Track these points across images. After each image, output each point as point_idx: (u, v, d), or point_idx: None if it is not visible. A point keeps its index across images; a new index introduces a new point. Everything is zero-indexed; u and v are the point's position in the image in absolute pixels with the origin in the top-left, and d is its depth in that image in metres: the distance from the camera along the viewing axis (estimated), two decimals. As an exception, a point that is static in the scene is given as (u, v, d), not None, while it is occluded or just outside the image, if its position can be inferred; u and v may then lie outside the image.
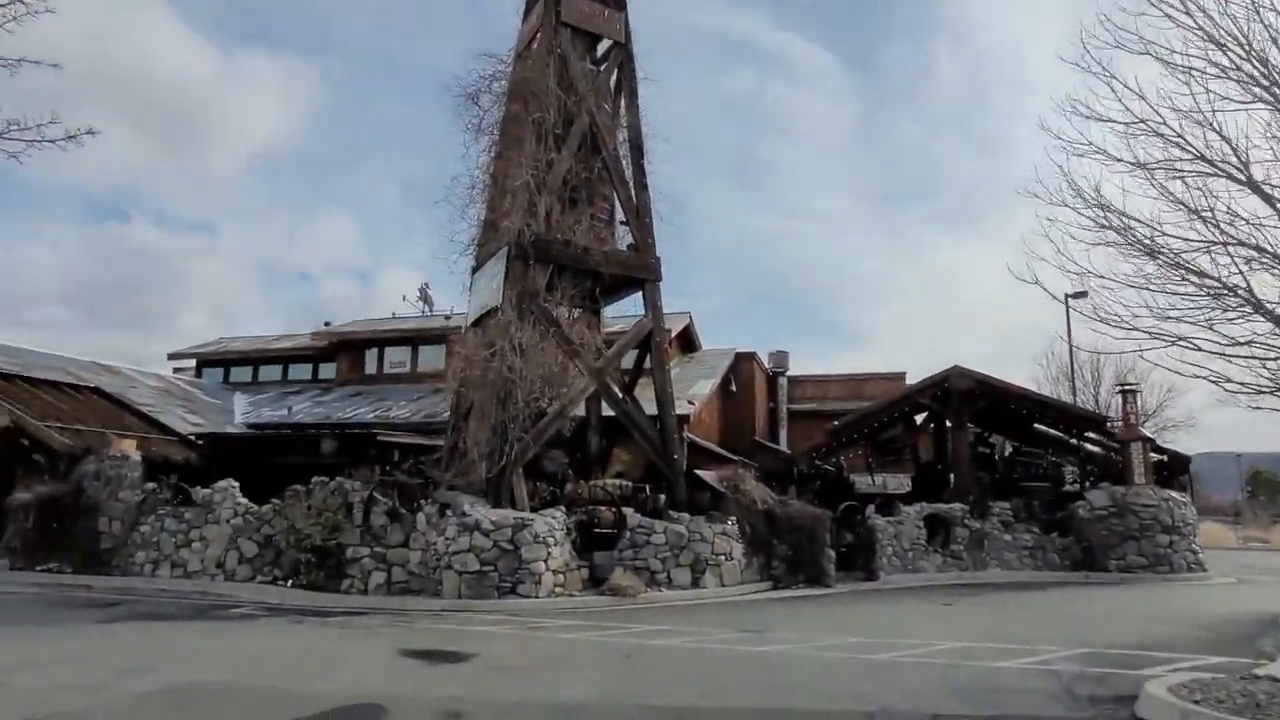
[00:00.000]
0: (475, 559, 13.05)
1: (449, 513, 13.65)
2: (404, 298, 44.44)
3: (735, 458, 19.33)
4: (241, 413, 27.13)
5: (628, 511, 15.44)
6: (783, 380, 34.19)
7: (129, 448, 17.55)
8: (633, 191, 17.14)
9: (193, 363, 33.44)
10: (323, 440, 17.53)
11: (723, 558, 15.42)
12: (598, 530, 14.99)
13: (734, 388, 29.44)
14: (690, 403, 22.69)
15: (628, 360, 18.91)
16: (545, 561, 13.48)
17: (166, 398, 25.51)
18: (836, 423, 22.41)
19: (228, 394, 29.69)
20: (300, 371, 32.01)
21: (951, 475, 24.19)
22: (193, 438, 20.60)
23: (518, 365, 14.60)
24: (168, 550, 15.85)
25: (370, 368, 29.58)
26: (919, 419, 23.20)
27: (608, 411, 17.46)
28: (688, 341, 31.06)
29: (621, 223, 17.43)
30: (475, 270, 17.29)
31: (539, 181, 15.66)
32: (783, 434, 33.09)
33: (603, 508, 15.33)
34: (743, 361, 30.89)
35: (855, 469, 29.67)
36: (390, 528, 14.61)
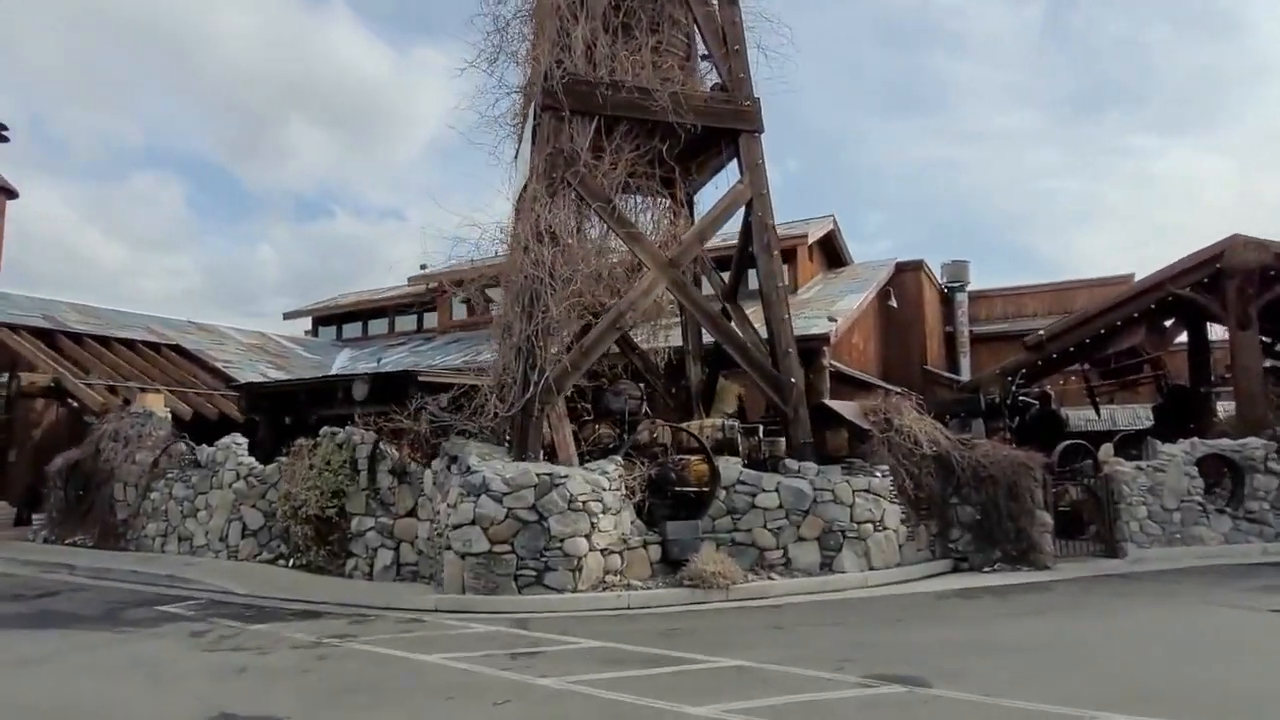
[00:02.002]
0: (483, 535, 8.92)
1: (453, 469, 9.61)
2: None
3: (896, 389, 13.83)
4: (339, 368, 25.03)
5: (727, 463, 10.69)
6: (961, 297, 27.21)
7: (154, 402, 15.18)
8: (715, 7, 11.96)
9: (309, 321, 32.30)
10: (355, 383, 14.16)
11: (869, 526, 10.29)
12: (678, 490, 10.40)
13: (894, 303, 23.29)
14: (831, 319, 17.25)
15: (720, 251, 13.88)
16: (588, 537, 9.11)
17: (256, 354, 23.84)
18: (1042, 331, 16.04)
19: (333, 350, 27.89)
20: (407, 323, 29.74)
21: (1217, 402, 17.07)
22: (229, 390, 18.24)
23: (546, 258, 10.15)
24: (175, 521, 13.22)
25: (466, 312, 26.51)
26: (1167, 323, 16.22)
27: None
28: (833, 255, 25.16)
29: (703, 57, 12.33)
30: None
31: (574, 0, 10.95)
32: (964, 363, 26.35)
33: (693, 458, 10.69)
34: (907, 273, 24.54)
35: (1068, 401, 22.83)
36: (398, 490, 10.86)
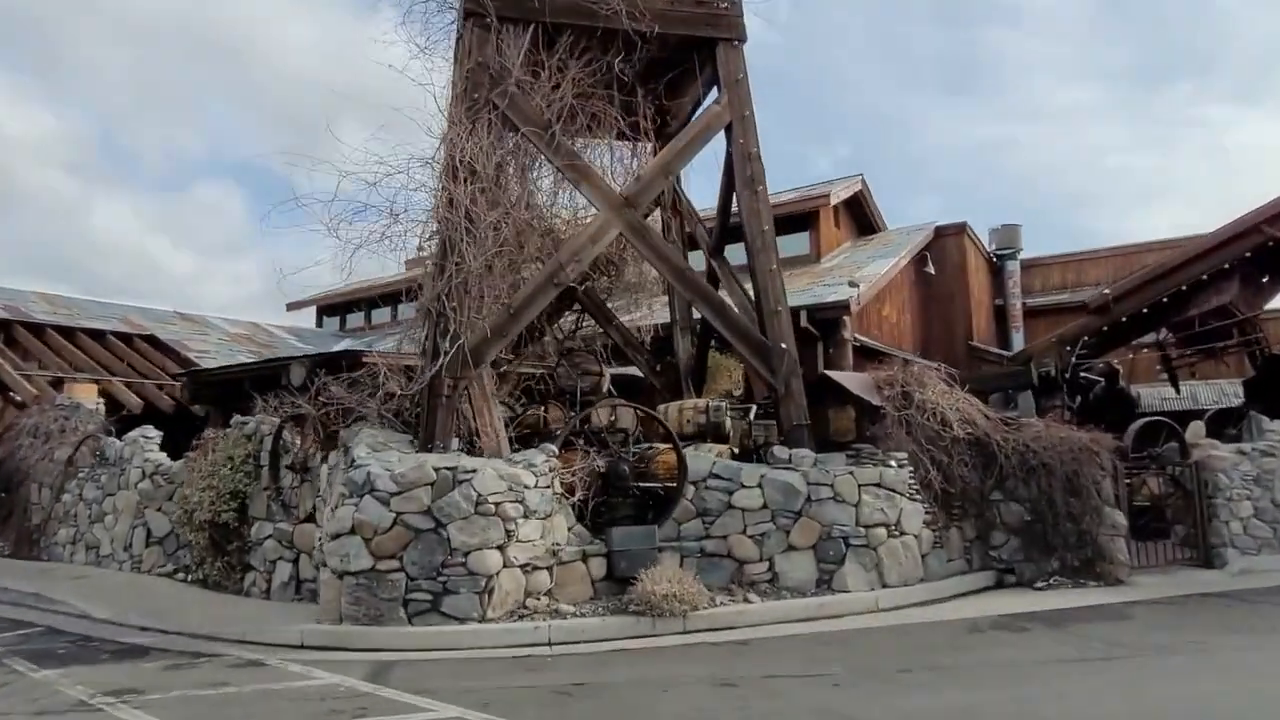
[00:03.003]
0: (364, 548, 6.86)
1: (343, 463, 7.60)
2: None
3: (931, 365, 11.28)
4: (331, 357, 23.47)
5: (697, 452, 8.49)
6: (1012, 265, 24.21)
7: (84, 392, 13.63)
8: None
9: (314, 311, 30.96)
10: (292, 366, 12.31)
11: (880, 531, 7.94)
12: (644, 487, 8.21)
13: (930, 269, 20.55)
14: (853, 284, 14.78)
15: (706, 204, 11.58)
16: (502, 549, 6.99)
17: (241, 344, 22.40)
18: (1107, 290, 13.31)
19: (332, 339, 26.38)
20: (409, 311, 28.09)
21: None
22: (173, 379, 16.65)
23: (461, 197, 8.04)
24: (83, 526, 11.57)
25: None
26: (1265, 278, 13.33)
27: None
28: (864, 221, 22.43)
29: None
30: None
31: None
32: (1017, 339, 23.38)
33: (664, 447, 8.51)
34: (948, 238, 21.70)
35: (1138, 379, 19.90)
36: (300, 490, 8.93)
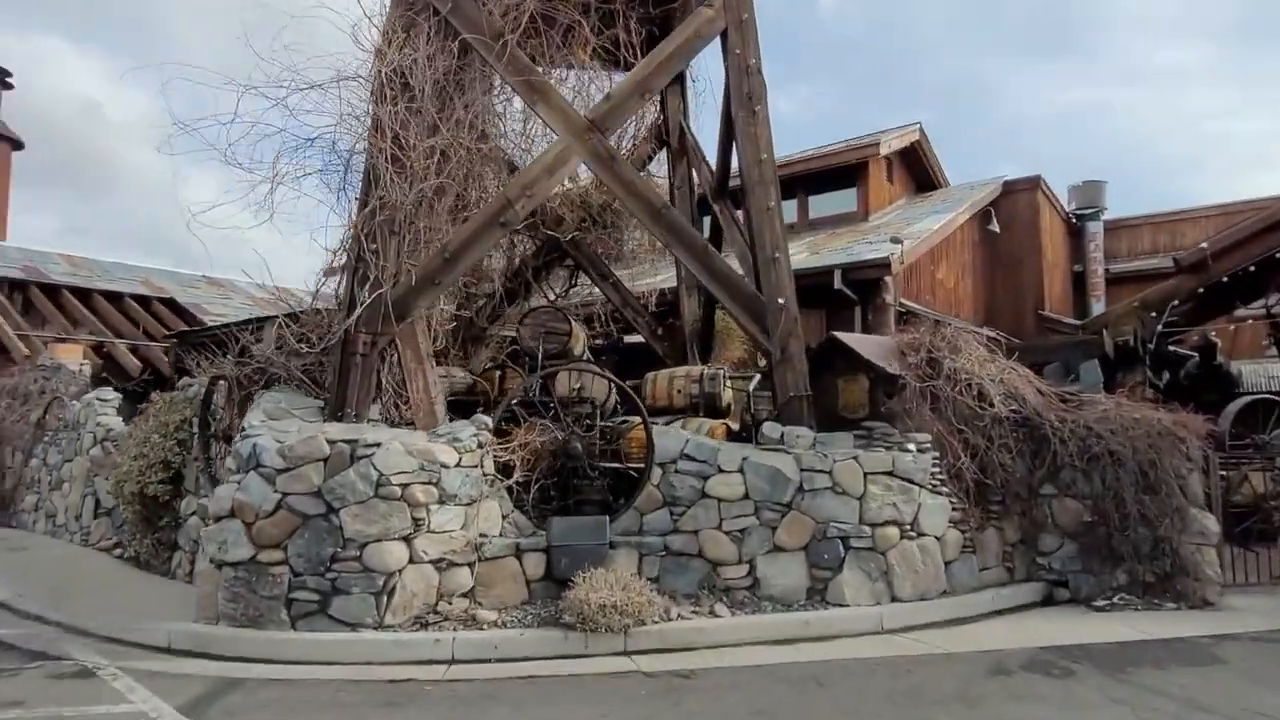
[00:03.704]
0: (244, 534, 5.68)
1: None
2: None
3: (972, 328, 9.37)
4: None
5: (668, 430, 7.04)
6: (1095, 227, 21.55)
7: (68, 353, 13.04)
8: None
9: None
10: (265, 325, 11.33)
11: (891, 530, 6.33)
12: (605, 467, 6.82)
13: (995, 226, 18.24)
14: (896, 240, 12.90)
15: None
16: (409, 541, 5.72)
17: (263, 307, 21.87)
18: (1205, 244, 11.06)
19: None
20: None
21: None
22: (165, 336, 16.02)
23: (388, 119, 6.70)
24: (45, 493, 10.92)
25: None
26: None
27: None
28: (922, 176, 20.14)
29: None
30: None
31: None
32: (1097, 309, 20.86)
33: (636, 422, 7.08)
34: (1018, 194, 19.28)
35: (1240, 354, 17.36)
36: (226, 462, 7.88)
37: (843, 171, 17.70)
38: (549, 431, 6.84)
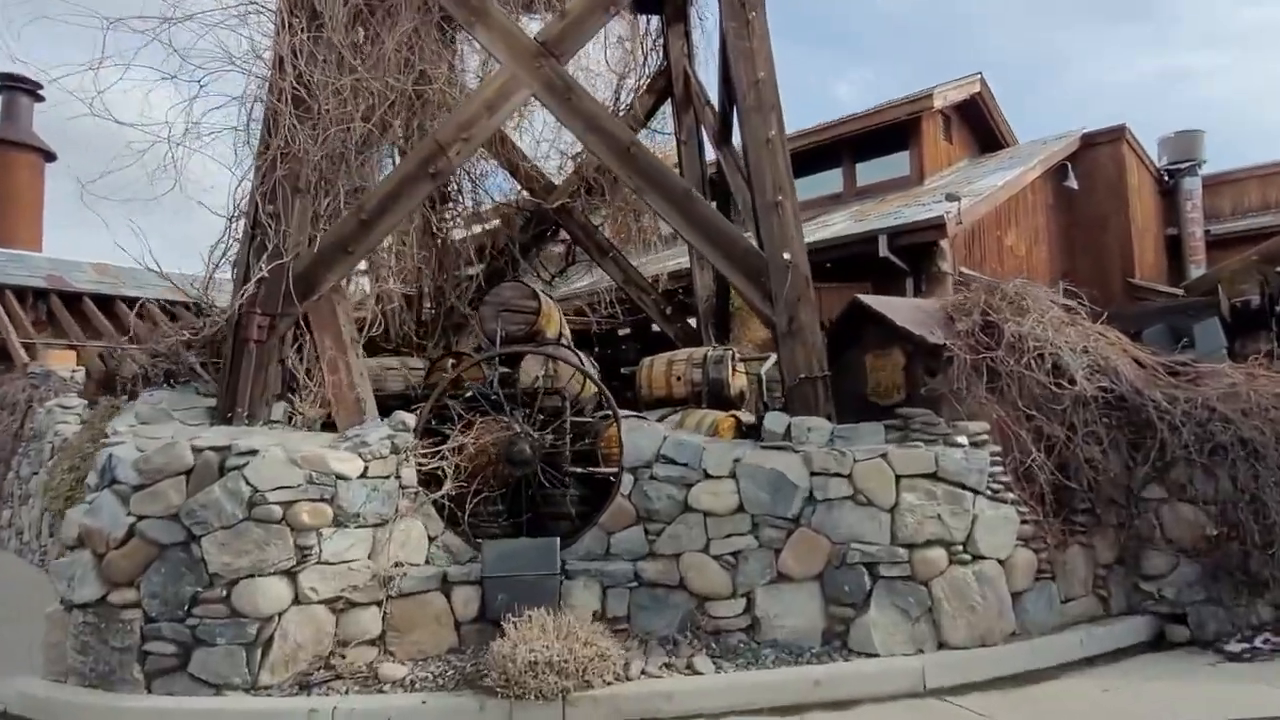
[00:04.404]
0: (94, 570, 4.51)
1: (119, 440, 5.28)
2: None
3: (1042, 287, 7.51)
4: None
5: (646, 427, 5.58)
6: (1191, 183, 18.82)
7: (60, 359, 12.43)
8: None
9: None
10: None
11: (937, 552, 4.71)
12: (576, 472, 5.43)
13: (1072, 182, 15.95)
14: (952, 197, 11.06)
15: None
16: (293, 576, 4.44)
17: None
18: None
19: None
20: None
21: None
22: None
23: (287, 58, 5.44)
24: (16, 507, 10.19)
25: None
26: None
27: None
28: (985, 134, 17.90)
29: None
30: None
31: None
32: (1196, 275, 18.29)
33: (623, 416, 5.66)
34: (1099, 148, 16.89)
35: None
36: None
37: (893, 132, 15.72)
38: (503, 431, 5.47)
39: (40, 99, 22.14)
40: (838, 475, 4.79)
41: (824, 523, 4.79)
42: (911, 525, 4.70)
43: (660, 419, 6.85)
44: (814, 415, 5.31)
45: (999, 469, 5.00)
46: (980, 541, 4.79)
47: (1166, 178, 19.04)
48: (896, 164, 16.01)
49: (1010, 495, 4.98)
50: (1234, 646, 4.90)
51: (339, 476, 4.63)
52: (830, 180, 16.31)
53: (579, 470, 5.75)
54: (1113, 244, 16.95)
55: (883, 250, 10.64)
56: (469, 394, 5.93)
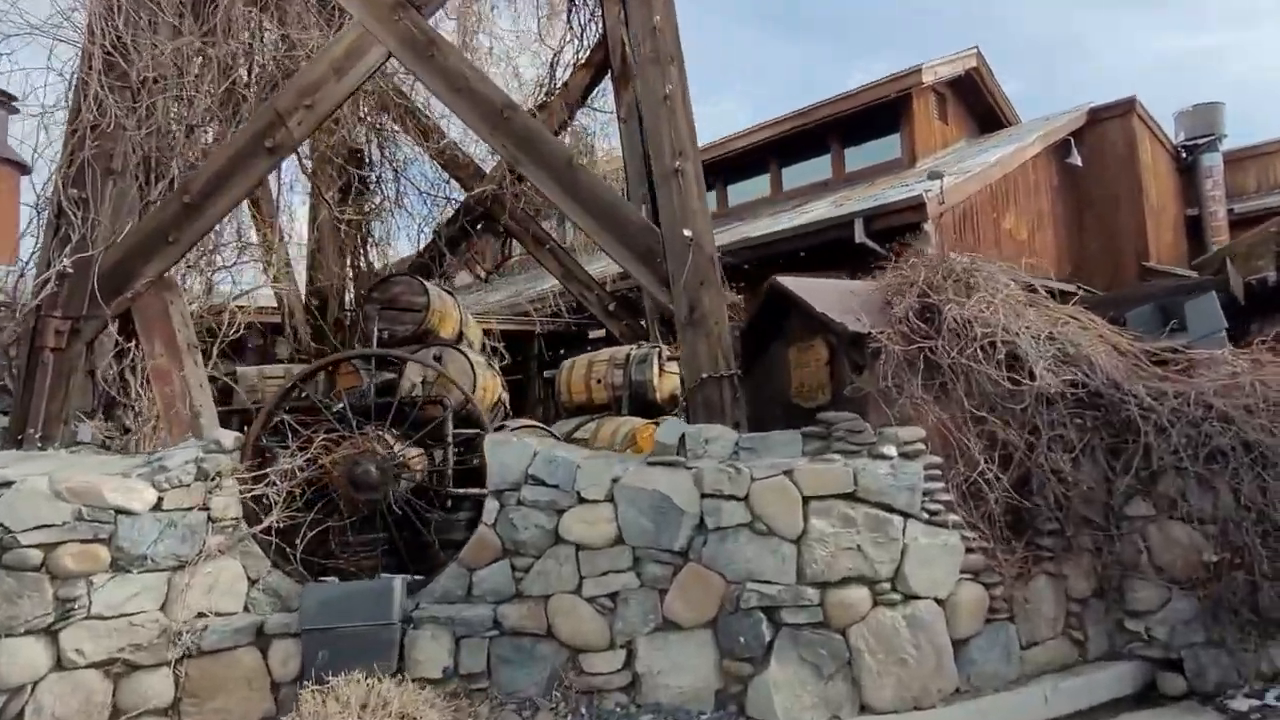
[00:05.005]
0: None
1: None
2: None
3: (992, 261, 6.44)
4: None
5: (510, 439, 4.70)
6: (1211, 159, 17.48)
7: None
8: None
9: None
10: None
11: (857, 592, 3.77)
12: (456, 494, 4.58)
13: (1076, 159, 14.76)
14: (935, 175, 10.07)
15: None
16: (52, 636, 3.62)
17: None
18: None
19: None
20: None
21: None
22: None
23: (97, 21, 4.66)
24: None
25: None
26: None
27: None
28: (984, 112, 16.70)
29: None
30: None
31: None
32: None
33: (516, 426, 4.79)
34: (1108, 122, 15.61)
35: None
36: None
37: (882, 111, 14.66)
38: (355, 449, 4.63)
39: (15, 110, 21.70)
40: (732, 498, 3.86)
41: (716, 557, 3.87)
42: (823, 559, 3.77)
43: (574, 429, 6.00)
44: (719, 422, 4.40)
45: (939, 485, 4.04)
46: (912, 577, 3.84)
47: (1184, 154, 17.77)
48: (888, 147, 14.96)
49: (953, 517, 4.02)
50: (1240, 703, 3.90)
51: (120, 511, 3.81)
52: (819, 167, 15.33)
53: (461, 492, 4.93)
54: (1125, 226, 15.72)
55: (859, 235, 9.69)
56: (338, 406, 5.10)
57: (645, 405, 6.07)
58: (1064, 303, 4.89)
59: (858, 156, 15.40)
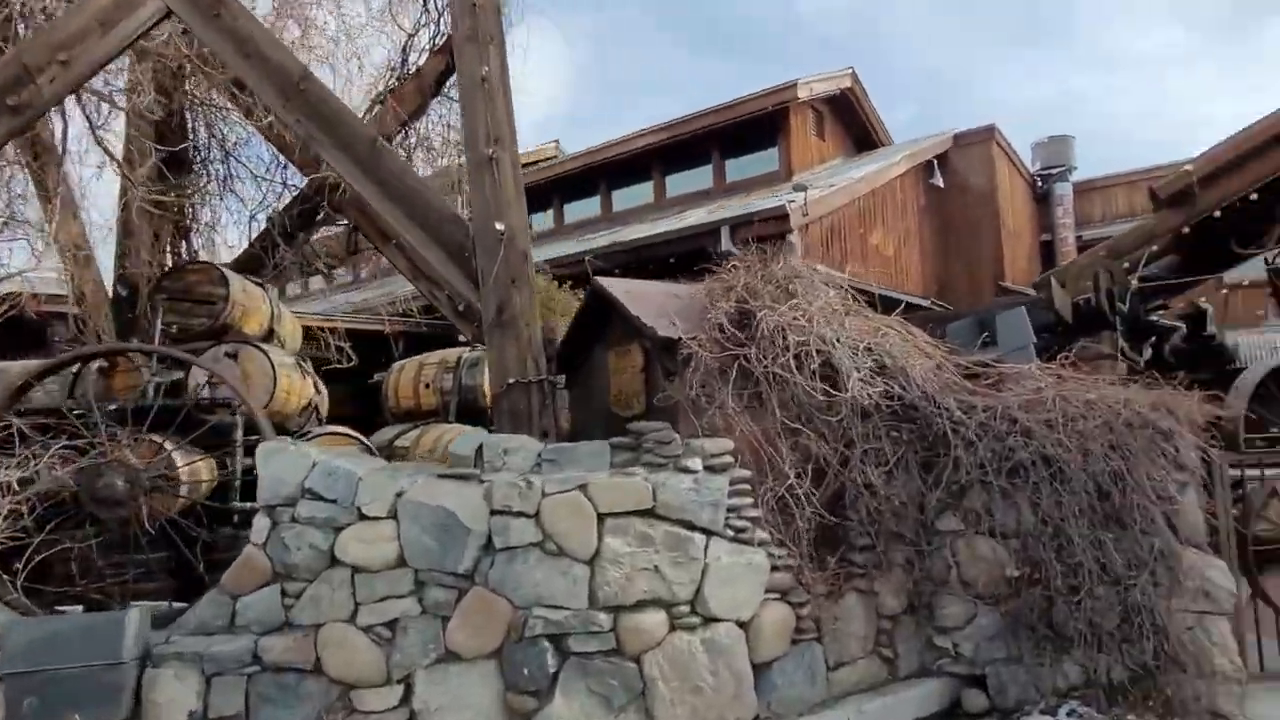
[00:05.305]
0: None
1: None
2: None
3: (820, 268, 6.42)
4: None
5: (284, 448, 4.24)
6: (1063, 189, 18.82)
7: None
8: None
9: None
10: None
11: (652, 616, 3.51)
12: (241, 510, 4.02)
13: (939, 181, 15.44)
14: (800, 187, 10.18)
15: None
16: None
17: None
18: (1190, 166, 8.29)
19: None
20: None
21: None
22: None
23: None
24: None
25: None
26: None
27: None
28: (860, 132, 17.24)
29: None
30: None
31: None
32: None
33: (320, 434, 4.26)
34: (970, 148, 16.50)
35: (1234, 323, 14.87)
36: None
37: (761, 124, 14.86)
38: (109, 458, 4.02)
39: None
40: (521, 515, 3.54)
41: (504, 580, 3.53)
42: (617, 581, 3.49)
43: (395, 436, 5.53)
44: (525, 431, 4.08)
45: (747, 501, 3.85)
46: (713, 598, 3.62)
47: (1040, 183, 19.00)
48: (766, 160, 15.20)
49: (761, 534, 3.84)
50: (1035, 719, 3.89)
51: None
52: (701, 177, 15.47)
53: (248, 506, 4.39)
54: (985, 248, 16.59)
55: (724, 242, 9.67)
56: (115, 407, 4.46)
57: (476, 412, 5.68)
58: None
59: (738, 168, 15.59)
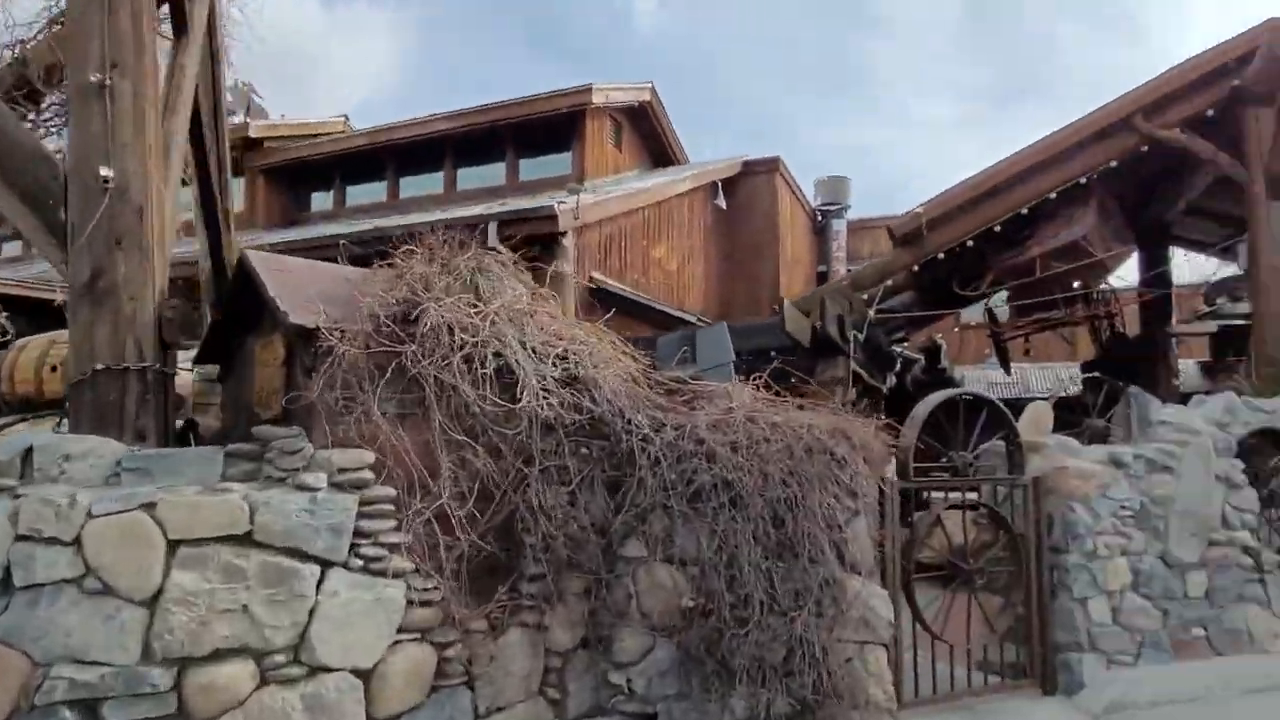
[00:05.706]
0: None
1: None
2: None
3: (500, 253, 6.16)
4: None
5: None
6: (839, 225, 20.22)
7: None
8: None
9: None
10: None
11: (237, 667, 2.80)
12: None
13: (721, 202, 15.92)
14: (574, 190, 9.81)
15: None
16: None
17: None
18: (920, 209, 8.91)
19: None
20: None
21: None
22: None
23: None
24: None
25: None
26: (1115, 214, 9.43)
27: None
28: (657, 148, 17.44)
29: None
30: None
31: None
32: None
33: None
34: (756, 176, 17.20)
35: (965, 360, 16.68)
36: None
37: (557, 126, 14.51)
38: None
39: None
40: (55, 542, 2.71)
41: (23, 628, 2.67)
42: (185, 627, 2.76)
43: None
44: (116, 432, 3.22)
45: (388, 525, 3.28)
46: (322, 644, 2.99)
47: (820, 217, 20.28)
48: (562, 163, 14.85)
49: (401, 564, 3.27)
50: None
51: None
52: (495, 173, 14.87)
53: None
54: (766, 271, 17.30)
55: (491, 238, 9.05)
56: None
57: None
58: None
59: (533, 169, 15.14)
